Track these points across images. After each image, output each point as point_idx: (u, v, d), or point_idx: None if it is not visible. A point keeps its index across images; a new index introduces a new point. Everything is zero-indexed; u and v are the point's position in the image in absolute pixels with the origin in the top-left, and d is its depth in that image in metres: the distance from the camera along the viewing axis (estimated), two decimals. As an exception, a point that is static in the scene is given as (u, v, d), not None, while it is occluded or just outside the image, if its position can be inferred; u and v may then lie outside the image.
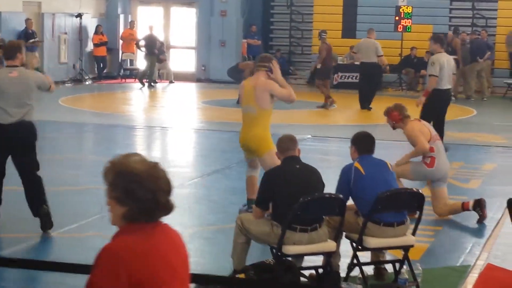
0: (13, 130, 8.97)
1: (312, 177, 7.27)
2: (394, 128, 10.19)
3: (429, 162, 9.97)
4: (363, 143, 7.69)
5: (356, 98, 21.43)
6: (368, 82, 20.93)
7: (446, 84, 13.94)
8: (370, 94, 21.06)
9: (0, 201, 9.56)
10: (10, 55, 9.23)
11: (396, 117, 9.98)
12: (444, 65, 13.80)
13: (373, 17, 27.54)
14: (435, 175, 10.06)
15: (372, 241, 7.33)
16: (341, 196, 7.24)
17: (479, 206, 10.01)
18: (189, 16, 29.51)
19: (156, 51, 26.89)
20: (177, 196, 11.38)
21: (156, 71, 27.72)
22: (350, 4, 28.25)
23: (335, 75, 26.70)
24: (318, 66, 21.91)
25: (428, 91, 13.93)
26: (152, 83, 26.54)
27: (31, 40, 23.84)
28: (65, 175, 12.11)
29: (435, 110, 13.90)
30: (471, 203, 10.04)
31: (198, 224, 9.93)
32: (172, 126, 18.01)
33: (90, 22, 27.79)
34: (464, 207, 10.08)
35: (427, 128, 10.15)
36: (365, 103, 20.95)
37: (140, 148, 16.19)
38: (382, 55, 21.05)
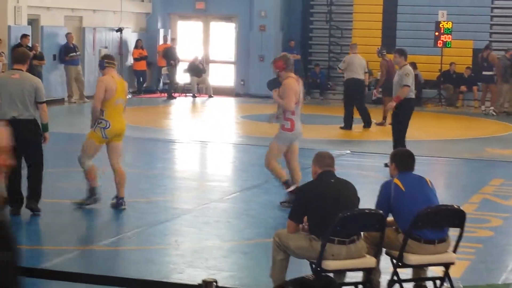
0: (13, 126, 8.99)
1: (347, 191, 7.28)
2: (278, 76, 11.18)
3: (289, 126, 11.10)
4: (403, 161, 7.67)
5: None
6: (357, 99, 20.44)
7: (413, 94, 14.59)
8: (364, 111, 20.54)
9: (22, 199, 10.41)
10: (20, 60, 10.33)
11: (280, 66, 11.03)
12: (412, 77, 14.49)
13: (412, 32, 27.45)
14: (295, 136, 11.20)
15: (413, 258, 7.30)
16: (381, 211, 7.23)
17: None
18: (228, 30, 29.64)
19: (172, 62, 27.19)
20: (216, 210, 11.50)
21: (196, 85, 27.88)
22: (389, 20, 28.19)
23: (374, 90, 26.61)
24: (381, 84, 21.80)
25: (400, 99, 14.27)
26: (171, 95, 26.84)
27: (71, 54, 24.11)
28: (105, 188, 12.17)
29: (405, 118, 14.49)
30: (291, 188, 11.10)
31: (237, 238, 9.95)
32: (211, 140, 18.07)
33: (131, 37, 28.02)
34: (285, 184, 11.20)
35: (299, 92, 11.09)
36: (349, 123, 20.38)
37: (179, 162, 16.27)
38: (368, 72, 21.05)
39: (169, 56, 27.67)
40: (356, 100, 20.35)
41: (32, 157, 10.35)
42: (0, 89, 10.18)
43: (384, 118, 21.08)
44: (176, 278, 7.99)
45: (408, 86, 14.24)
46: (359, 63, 20.44)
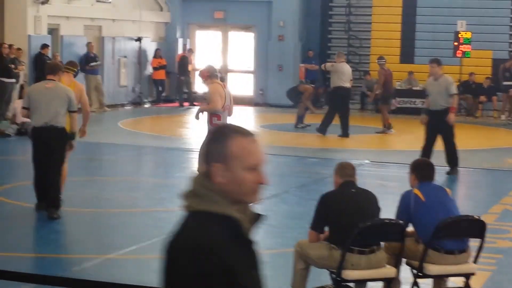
0: (43, 132, 10.61)
1: (368, 201, 7.29)
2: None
3: (217, 121, 11.46)
4: (423, 171, 7.65)
5: (414, 123, 21.26)
6: (343, 107, 20.42)
7: None
8: (346, 120, 20.40)
9: (42, 195, 10.87)
10: (52, 71, 10.94)
11: (204, 74, 11.60)
12: None
13: (431, 42, 27.41)
14: None
15: (433, 268, 7.27)
16: (401, 222, 7.21)
17: None
18: (247, 40, 29.69)
19: (182, 78, 27.50)
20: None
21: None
22: (408, 30, 28.16)
23: (393, 100, 26.59)
24: (378, 92, 21.83)
25: (455, 109, 14.73)
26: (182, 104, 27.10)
27: (91, 64, 24.21)
28: (124, 197, 12.22)
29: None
30: None
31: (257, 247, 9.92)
32: (229, 150, 18.04)
33: (150, 46, 28.12)
34: None
35: (226, 96, 11.58)
36: (345, 130, 20.34)
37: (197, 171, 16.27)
38: (352, 80, 21.15)
39: (183, 66, 27.85)
40: (340, 108, 20.36)
41: (55, 163, 10.75)
42: (34, 97, 10.77)
43: (385, 126, 21.12)
44: None
45: (457, 94, 14.59)
46: (347, 72, 20.55)
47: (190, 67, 28.39)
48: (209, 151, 3.16)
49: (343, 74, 20.35)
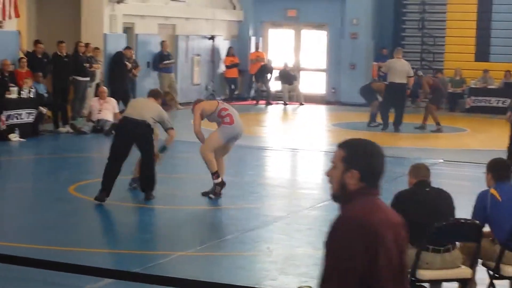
0: (134, 124, 11.45)
1: (443, 200, 7.22)
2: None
3: (229, 120, 11.80)
4: (499, 171, 7.54)
5: (489, 122, 21.02)
6: (395, 103, 20.83)
7: None
8: (399, 116, 20.92)
9: (110, 188, 11.38)
10: (155, 96, 11.97)
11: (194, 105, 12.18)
12: None
13: (507, 40, 26.96)
14: (236, 130, 11.78)
15: (510, 270, 7.18)
16: (477, 222, 7.13)
17: None
18: (319, 38, 29.63)
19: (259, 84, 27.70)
20: (308, 217, 11.48)
21: (287, 93, 27.96)
22: (483, 27, 27.75)
23: (468, 99, 26.29)
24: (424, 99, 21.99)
25: None
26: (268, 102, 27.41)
27: (165, 62, 24.44)
28: (198, 195, 12.30)
29: None
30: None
31: (329, 246, 9.90)
32: (302, 148, 18.06)
33: (223, 44, 28.26)
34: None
35: (215, 103, 12.17)
36: (397, 125, 20.87)
37: (270, 169, 16.32)
38: (412, 76, 21.05)
39: (261, 73, 28.10)
40: (393, 103, 20.77)
41: (147, 151, 11.69)
42: (132, 103, 12.10)
43: (425, 121, 21.27)
44: (268, 285, 8.01)
45: None
46: (399, 67, 20.62)
47: (258, 65, 28.48)
48: None
49: (395, 70, 20.70)
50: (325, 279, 3.58)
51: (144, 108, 11.63)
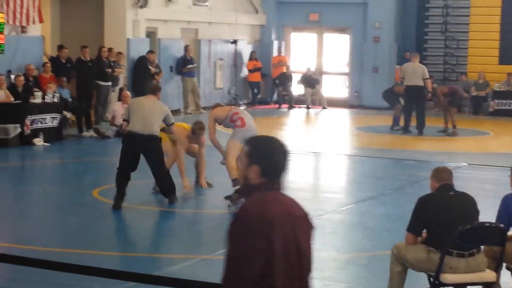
0: (140, 139, 11.40)
1: (467, 203, 7.18)
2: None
3: (240, 123, 11.85)
4: (524, 173, 7.50)
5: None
6: (415, 105, 20.86)
7: None
8: (421, 118, 20.94)
9: (124, 194, 11.48)
10: (153, 92, 11.92)
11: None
12: None
13: (531, 42, 26.82)
14: (249, 132, 11.62)
15: (534, 273, 7.12)
16: (501, 225, 7.09)
17: None
18: (342, 42, 29.59)
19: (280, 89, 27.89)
20: (331, 221, 11.45)
21: (310, 96, 27.95)
22: (508, 30, 27.57)
23: (491, 102, 26.16)
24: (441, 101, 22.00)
25: None
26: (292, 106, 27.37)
27: (188, 66, 24.49)
28: (221, 198, 12.31)
29: None
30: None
31: (353, 250, 9.90)
32: (325, 152, 18.04)
33: (245, 48, 28.28)
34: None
35: (227, 109, 12.29)
36: (420, 128, 20.91)
37: (293, 173, 16.28)
38: (428, 78, 20.94)
39: (283, 80, 28.16)
40: (412, 106, 20.91)
41: (157, 161, 11.69)
42: (133, 108, 11.65)
43: (454, 126, 21.18)
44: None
45: None
46: (412, 71, 20.81)
47: (281, 69, 28.49)
48: None
49: (407, 73, 20.87)
50: (226, 269, 3.80)
51: (148, 116, 11.48)
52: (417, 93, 20.67)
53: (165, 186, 11.79)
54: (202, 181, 12.76)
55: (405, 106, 21.27)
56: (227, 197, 12.02)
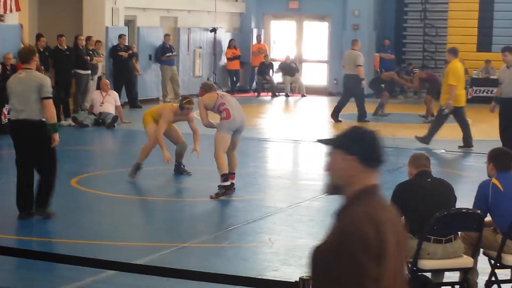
0: (18, 126, 9.87)
1: (444, 190, 7.23)
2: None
3: (225, 115, 11.59)
4: (501, 160, 7.54)
5: (490, 113, 21.00)
6: (349, 94, 20.70)
7: None
8: (360, 108, 20.70)
9: (32, 184, 10.21)
10: (26, 59, 10.01)
11: (201, 93, 12.05)
12: None
13: (509, 30, 26.92)
14: (235, 123, 11.59)
15: (511, 259, 7.18)
16: (478, 211, 7.14)
17: None
18: (321, 30, 29.60)
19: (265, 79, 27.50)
20: (309, 208, 11.47)
21: (289, 84, 27.96)
22: (486, 17, 27.70)
23: (470, 89, 26.25)
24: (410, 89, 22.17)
25: None
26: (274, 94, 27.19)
27: (167, 54, 24.43)
28: (200, 186, 12.32)
29: None
30: None
31: (331, 237, 9.90)
32: (304, 139, 18.06)
33: (224, 36, 28.23)
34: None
35: (214, 97, 11.81)
36: (361, 118, 20.68)
37: (272, 160, 16.32)
38: (360, 65, 20.51)
39: (263, 69, 28.17)
40: (349, 95, 20.72)
41: (41, 162, 10.08)
42: (9, 90, 10.00)
43: (428, 112, 21.24)
44: (270, 276, 8.02)
45: None
46: (347, 59, 20.69)
47: (261, 57, 28.45)
48: None
49: (345, 61, 20.90)
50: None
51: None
52: (351, 82, 20.50)
53: (43, 194, 10.22)
54: (196, 147, 12.58)
55: (342, 96, 21.20)
56: (219, 186, 11.82)
